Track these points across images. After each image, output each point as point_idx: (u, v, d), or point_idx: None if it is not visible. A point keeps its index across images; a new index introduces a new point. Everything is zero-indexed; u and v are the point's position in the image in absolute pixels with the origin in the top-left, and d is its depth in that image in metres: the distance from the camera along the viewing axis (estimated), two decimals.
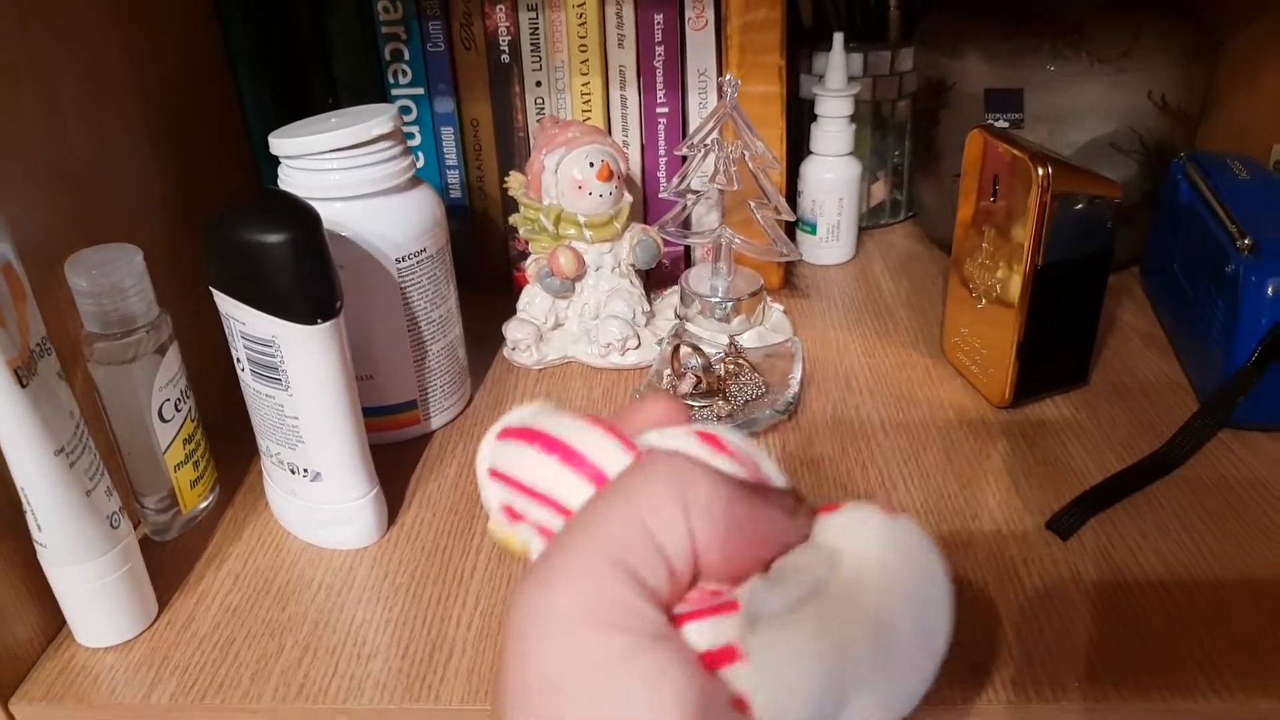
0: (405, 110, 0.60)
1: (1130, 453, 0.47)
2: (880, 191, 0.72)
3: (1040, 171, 0.44)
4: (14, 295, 0.33)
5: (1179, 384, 0.52)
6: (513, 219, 0.57)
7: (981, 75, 0.59)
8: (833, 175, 0.65)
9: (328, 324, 0.39)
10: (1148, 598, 0.39)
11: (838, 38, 0.62)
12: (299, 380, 0.40)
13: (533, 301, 0.57)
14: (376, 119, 0.44)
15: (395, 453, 0.49)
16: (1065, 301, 0.48)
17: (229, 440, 0.50)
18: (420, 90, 0.60)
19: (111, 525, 0.37)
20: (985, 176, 0.48)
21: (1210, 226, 0.49)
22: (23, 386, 0.33)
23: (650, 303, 0.59)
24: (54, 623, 0.39)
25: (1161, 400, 0.51)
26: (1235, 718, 0.35)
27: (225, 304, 0.40)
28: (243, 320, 0.39)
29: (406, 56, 0.59)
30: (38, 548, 0.37)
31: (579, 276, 0.56)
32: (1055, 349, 0.49)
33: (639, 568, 0.22)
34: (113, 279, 0.40)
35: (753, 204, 0.55)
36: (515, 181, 0.57)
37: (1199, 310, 0.50)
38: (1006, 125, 0.56)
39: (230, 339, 0.41)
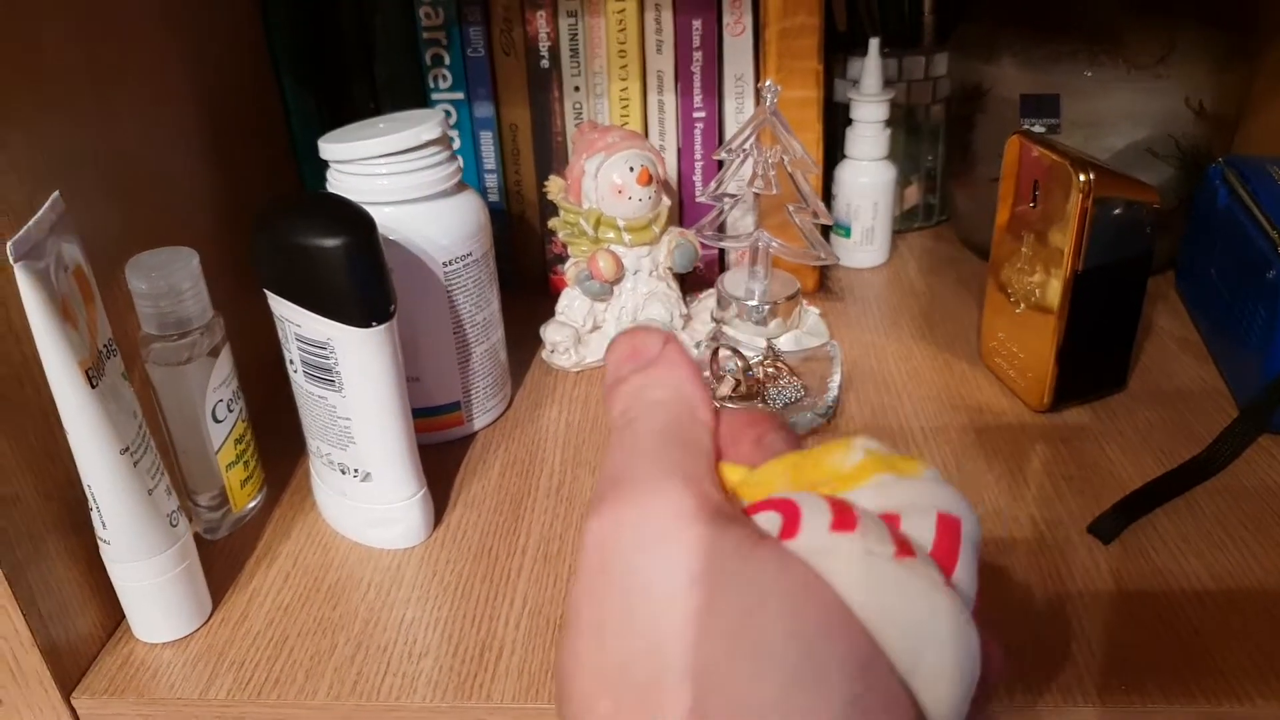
0: (445, 114, 0.61)
1: (1169, 458, 0.47)
2: (914, 195, 0.73)
3: (1082, 177, 0.44)
4: (84, 297, 0.34)
5: (1216, 389, 0.52)
6: (552, 223, 0.58)
7: (1017, 80, 0.59)
8: (868, 179, 0.65)
9: (382, 327, 0.39)
10: (1191, 602, 0.39)
11: (873, 43, 0.63)
12: (353, 382, 0.40)
13: (571, 304, 0.58)
14: (425, 124, 0.45)
15: (439, 453, 0.50)
16: (1104, 307, 0.48)
17: (274, 441, 0.51)
18: (460, 95, 0.60)
19: (170, 523, 0.38)
20: (1024, 181, 0.49)
21: (1250, 232, 0.49)
22: (93, 387, 0.34)
23: (687, 306, 0.59)
24: (113, 618, 0.40)
25: (1199, 405, 0.51)
26: None
27: (280, 306, 0.41)
28: (298, 323, 0.40)
29: (447, 61, 0.59)
30: (101, 544, 0.38)
31: (618, 280, 0.57)
32: (1094, 354, 0.50)
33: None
34: (170, 281, 0.40)
35: (791, 208, 0.55)
36: (555, 185, 0.57)
37: (1237, 316, 0.50)
38: (1043, 130, 0.57)
39: (284, 341, 0.42)
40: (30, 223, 0.32)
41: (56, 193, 0.34)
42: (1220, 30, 0.57)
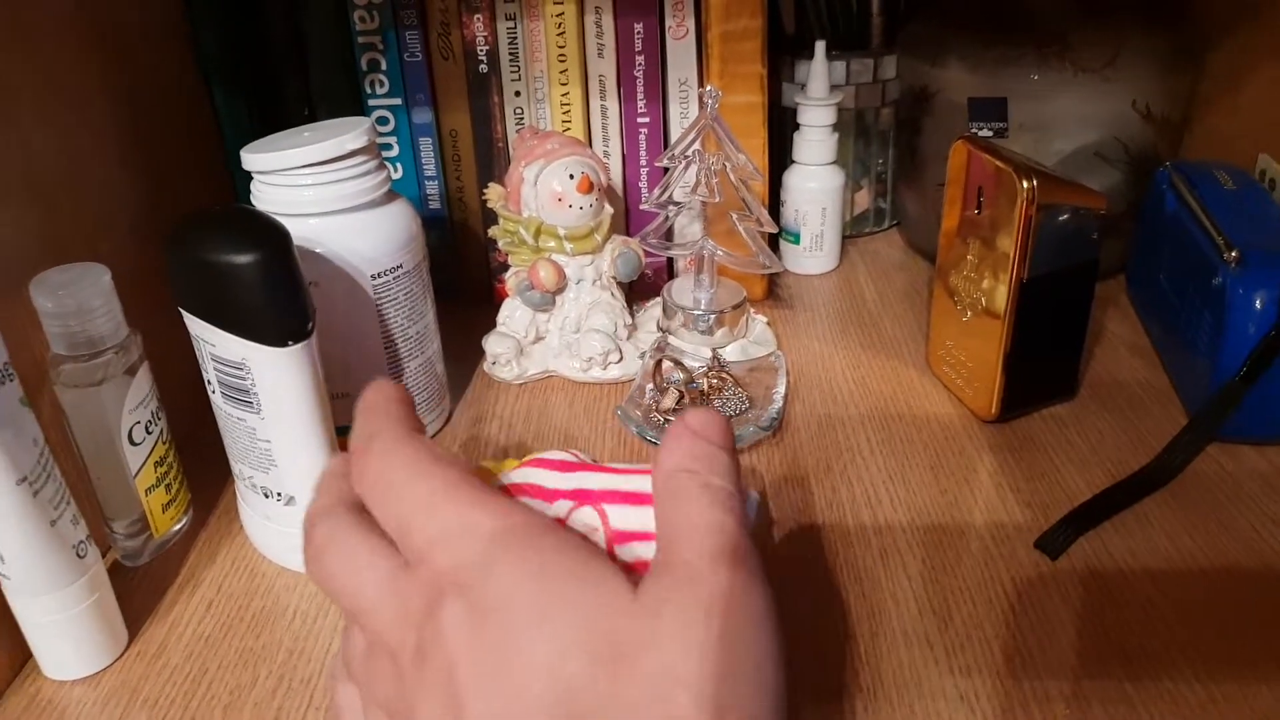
0: (383, 121, 0.59)
1: (1119, 467, 0.46)
2: (864, 200, 0.72)
3: (1025, 184, 0.44)
4: None
5: (1166, 395, 0.52)
6: (492, 231, 0.56)
7: (964, 84, 0.58)
8: (816, 184, 0.64)
9: (299, 345, 0.38)
10: (1137, 617, 0.38)
11: (820, 46, 0.62)
12: (270, 403, 0.39)
13: (513, 315, 0.56)
14: (350, 133, 0.43)
15: None
16: (1052, 314, 0.47)
17: (202, 461, 0.49)
18: (398, 101, 0.59)
19: (78, 555, 0.36)
20: (970, 188, 0.48)
21: (1197, 237, 0.49)
22: None
23: (632, 315, 0.58)
24: (19, 655, 0.38)
25: (1149, 412, 0.51)
26: None
27: (195, 325, 0.39)
28: (212, 342, 0.38)
29: (384, 66, 0.58)
30: (1, 579, 0.36)
31: (560, 290, 0.55)
32: (1042, 362, 0.49)
33: None
34: (79, 299, 0.38)
35: (735, 216, 0.54)
36: (494, 193, 0.56)
37: (1186, 322, 0.50)
38: (990, 134, 0.56)
39: (200, 360, 0.40)
40: None
41: None
42: (1166, 33, 0.57)
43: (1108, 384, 0.53)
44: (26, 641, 0.37)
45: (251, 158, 0.44)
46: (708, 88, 0.51)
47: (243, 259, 0.36)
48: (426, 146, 0.60)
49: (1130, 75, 0.55)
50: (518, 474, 0.37)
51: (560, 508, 0.36)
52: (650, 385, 0.52)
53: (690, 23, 0.57)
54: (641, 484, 0.36)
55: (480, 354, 0.57)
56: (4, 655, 0.38)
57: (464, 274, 0.63)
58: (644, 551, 0.34)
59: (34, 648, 0.37)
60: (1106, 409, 0.51)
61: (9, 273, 0.38)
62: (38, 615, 0.36)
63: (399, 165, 0.60)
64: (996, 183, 0.46)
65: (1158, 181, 0.55)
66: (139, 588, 0.42)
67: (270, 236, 0.37)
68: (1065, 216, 0.45)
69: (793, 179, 0.65)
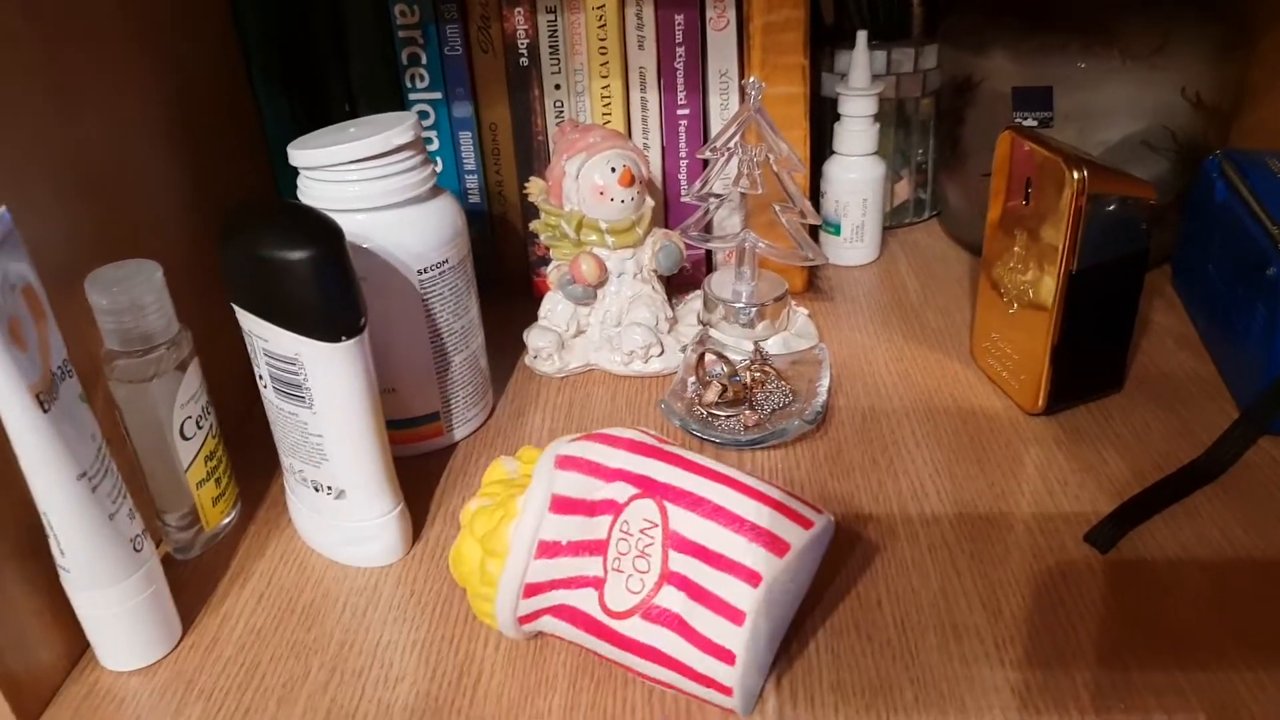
0: (423, 115, 0.60)
1: (1168, 460, 0.46)
2: (904, 191, 0.71)
3: (1075, 175, 0.43)
4: (35, 317, 0.33)
5: (1215, 387, 0.51)
6: (533, 225, 0.56)
7: (1008, 73, 0.57)
8: (857, 175, 0.64)
9: (352, 341, 0.38)
10: (1189, 609, 0.38)
11: (861, 36, 0.61)
12: (323, 398, 0.39)
13: (554, 309, 0.57)
14: (397, 128, 0.44)
15: (418, 465, 0.49)
16: (1100, 306, 0.47)
17: (249, 455, 0.49)
18: (438, 95, 0.59)
19: (134, 548, 0.37)
20: (1016, 178, 0.47)
21: (1249, 227, 0.48)
22: (44, 412, 0.32)
23: (673, 308, 0.58)
24: (78, 646, 0.39)
25: (1198, 405, 0.50)
26: None
27: (248, 321, 0.39)
28: (265, 337, 0.39)
29: (424, 61, 0.58)
30: (61, 572, 0.36)
31: (601, 283, 0.55)
32: (1089, 355, 0.48)
33: None
34: (132, 296, 0.39)
35: (777, 207, 0.54)
36: (535, 187, 0.56)
37: (1237, 313, 0.49)
38: (1035, 124, 0.55)
39: (253, 356, 0.40)
40: None
41: (3, 208, 0.33)
42: (1216, 19, 0.56)
43: (1154, 376, 0.53)
44: (85, 633, 0.38)
45: (299, 153, 0.44)
46: (751, 79, 0.51)
47: (297, 255, 0.36)
48: (466, 140, 0.60)
49: (1180, 62, 0.54)
50: (574, 447, 0.37)
51: (618, 490, 0.36)
52: (693, 379, 0.52)
53: (731, 14, 0.56)
54: (710, 490, 0.35)
55: (520, 347, 0.58)
56: (63, 646, 0.38)
57: (503, 268, 0.64)
58: (693, 572, 0.34)
59: (92, 639, 0.38)
60: (1154, 401, 0.50)
61: (65, 271, 0.39)
62: (96, 608, 0.37)
63: (439, 159, 0.60)
64: (1045, 173, 0.45)
65: (1207, 170, 0.54)
66: (191, 580, 0.43)
67: (324, 232, 0.37)
68: (1114, 207, 0.45)
69: (833, 170, 0.65)
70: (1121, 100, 0.55)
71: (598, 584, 0.36)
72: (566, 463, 0.37)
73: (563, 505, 0.36)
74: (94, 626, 0.37)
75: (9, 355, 0.31)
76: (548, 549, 0.36)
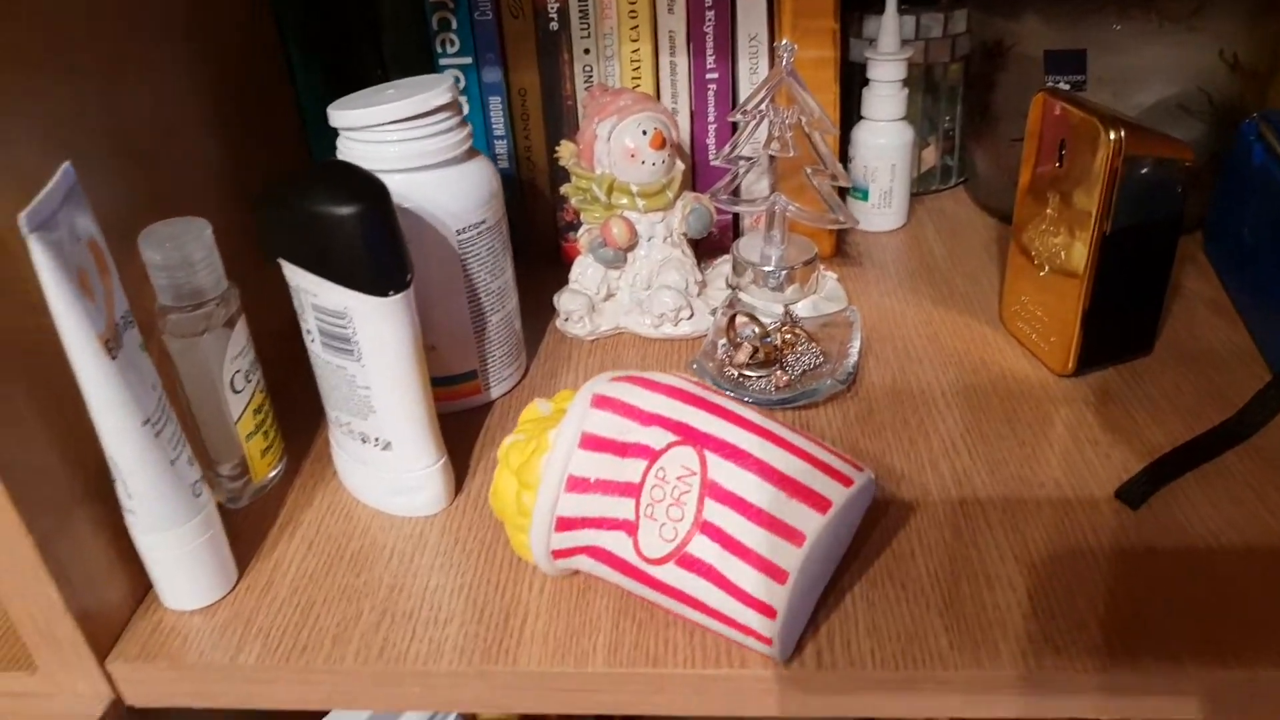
0: (455, 80, 0.60)
1: (1198, 421, 0.46)
2: (931, 157, 0.71)
3: (1112, 135, 0.43)
4: (100, 269, 0.34)
5: (1248, 352, 0.52)
6: (564, 189, 0.57)
7: (1041, 36, 0.58)
8: (885, 140, 0.64)
9: (399, 295, 0.39)
10: (1223, 567, 0.39)
11: (890, 1, 0.61)
12: (371, 351, 0.40)
13: (585, 272, 0.57)
14: (435, 90, 0.44)
15: (458, 422, 0.50)
16: (1132, 269, 0.47)
17: (290, 411, 0.50)
18: (468, 60, 0.59)
19: (194, 494, 0.38)
20: (1049, 141, 0.48)
21: None
22: (112, 359, 0.33)
23: (702, 272, 0.59)
24: (141, 587, 0.40)
25: (1229, 369, 0.50)
26: None
27: (296, 276, 0.40)
28: (314, 292, 0.40)
29: (454, 26, 0.58)
30: (126, 515, 0.38)
31: (631, 246, 0.56)
32: (1121, 317, 0.49)
33: None
34: (184, 252, 0.40)
35: (808, 170, 0.54)
36: (566, 151, 0.56)
37: (1273, 278, 0.49)
38: (1068, 88, 0.55)
39: (300, 310, 0.41)
40: (42, 194, 0.31)
41: (68, 163, 0.34)
42: None
43: (1186, 340, 0.53)
44: (148, 575, 0.40)
45: (339, 114, 0.45)
46: (783, 41, 0.51)
47: (347, 210, 0.37)
48: (496, 106, 0.61)
49: (1217, 24, 0.54)
50: (612, 387, 0.38)
51: (654, 436, 0.37)
52: (723, 341, 0.53)
53: None
54: (751, 444, 0.36)
55: (550, 311, 0.59)
56: (128, 586, 0.40)
57: (532, 233, 0.64)
58: (729, 524, 0.35)
59: (155, 580, 0.40)
60: (1184, 365, 0.51)
61: (120, 227, 0.40)
62: (160, 550, 0.38)
63: (470, 124, 0.61)
64: (1078, 134, 0.45)
65: (1244, 133, 0.54)
66: (242, 530, 0.44)
67: (371, 190, 0.38)
68: (1149, 168, 0.45)
69: (861, 135, 0.65)
70: (1157, 63, 0.55)
71: (630, 529, 0.36)
72: (602, 402, 0.38)
73: (592, 443, 0.37)
74: (158, 568, 0.39)
75: (80, 304, 0.32)
76: (577, 484, 0.37)
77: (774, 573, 0.34)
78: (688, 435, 0.36)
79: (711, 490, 0.35)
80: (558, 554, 0.38)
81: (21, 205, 0.30)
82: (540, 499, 0.37)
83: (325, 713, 0.54)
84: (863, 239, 0.67)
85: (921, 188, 0.72)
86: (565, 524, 0.37)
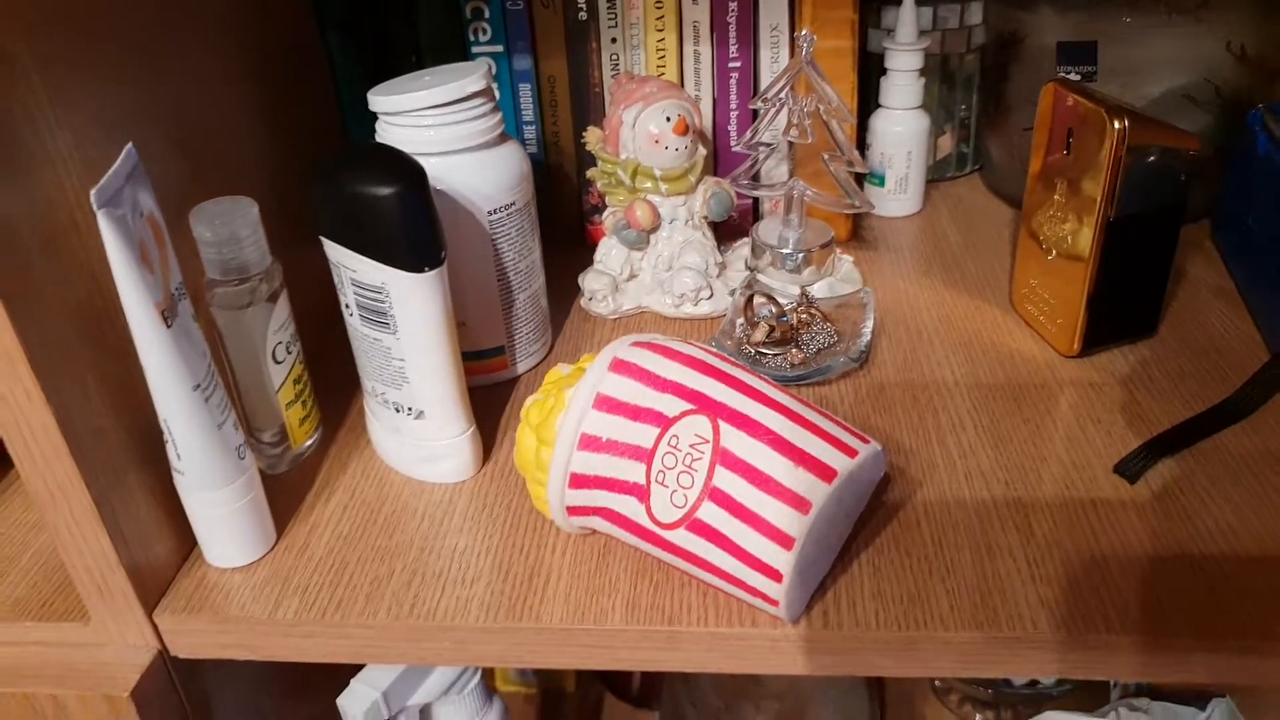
0: (488, 67, 0.62)
1: (1199, 402, 0.48)
2: (947, 144, 0.73)
3: (1117, 125, 0.45)
4: (157, 242, 0.36)
5: (1250, 337, 0.53)
6: (590, 173, 0.59)
7: (1054, 27, 0.59)
8: (901, 128, 0.66)
9: (434, 272, 0.41)
10: (1217, 541, 0.40)
11: None
12: (406, 324, 0.42)
13: (609, 253, 0.59)
14: (470, 77, 0.46)
15: (485, 395, 0.52)
16: (1136, 254, 0.49)
17: (324, 383, 0.53)
18: (499, 48, 0.61)
19: (239, 456, 0.41)
20: (1058, 130, 0.49)
21: None
22: (168, 327, 0.36)
23: (722, 254, 0.61)
24: (187, 544, 0.43)
25: (1231, 352, 0.52)
26: None
27: (336, 252, 0.43)
28: (353, 268, 0.42)
29: (486, 15, 0.61)
30: (176, 475, 0.40)
31: (654, 229, 0.58)
32: (1125, 301, 0.50)
33: None
34: (232, 229, 0.42)
35: (825, 156, 0.56)
36: (593, 136, 0.58)
37: (1275, 265, 0.51)
38: (1079, 79, 0.57)
39: (339, 286, 0.44)
40: (110, 172, 0.34)
41: (130, 144, 0.36)
42: None
43: (1190, 325, 0.54)
44: (193, 533, 0.42)
45: (379, 99, 0.47)
46: (803, 32, 0.53)
47: (386, 191, 0.39)
48: (525, 92, 0.63)
49: (1225, 16, 0.55)
50: (632, 352, 0.40)
51: (668, 404, 0.38)
52: (741, 320, 0.55)
53: None
54: (762, 414, 0.38)
55: (575, 290, 0.61)
56: (175, 543, 0.42)
57: (559, 214, 0.66)
58: (737, 491, 0.37)
59: (200, 538, 0.42)
60: (1188, 348, 0.52)
61: (171, 205, 0.42)
62: (206, 509, 0.41)
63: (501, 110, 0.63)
64: (1087, 124, 0.47)
65: (1250, 124, 0.55)
66: (280, 494, 0.46)
67: (409, 171, 0.40)
68: (1154, 157, 0.46)
69: (879, 123, 0.67)
70: (1166, 54, 0.56)
71: (641, 494, 0.38)
72: (620, 366, 0.40)
73: (606, 404, 0.39)
74: (203, 526, 0.41)
75: (140, 275, 0.34)
76: (589, 442, 0.39)
77: (780, 539, 0.36)
78: (703, 404, 0.38)
79: (723, 458, 0.37)
80: (572, 510, 0.40)
81: (88, 184, 0.32)
82: (556, 455, 0.39)
83: (358, 667, 0.57)
84: (879, 223, 0.68)
85: (937, 174, 0.74)
86: (578, 480, 0.39)
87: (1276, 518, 0.41)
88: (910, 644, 0.38)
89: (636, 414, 0.39)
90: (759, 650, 0.38)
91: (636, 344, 0.40)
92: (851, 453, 0.38)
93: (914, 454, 0.46)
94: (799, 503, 0.36)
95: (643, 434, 0.38)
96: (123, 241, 0.33)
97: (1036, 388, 0.50)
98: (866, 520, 0.42)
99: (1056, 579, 0.39)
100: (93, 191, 0.32)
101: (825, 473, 0.37)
